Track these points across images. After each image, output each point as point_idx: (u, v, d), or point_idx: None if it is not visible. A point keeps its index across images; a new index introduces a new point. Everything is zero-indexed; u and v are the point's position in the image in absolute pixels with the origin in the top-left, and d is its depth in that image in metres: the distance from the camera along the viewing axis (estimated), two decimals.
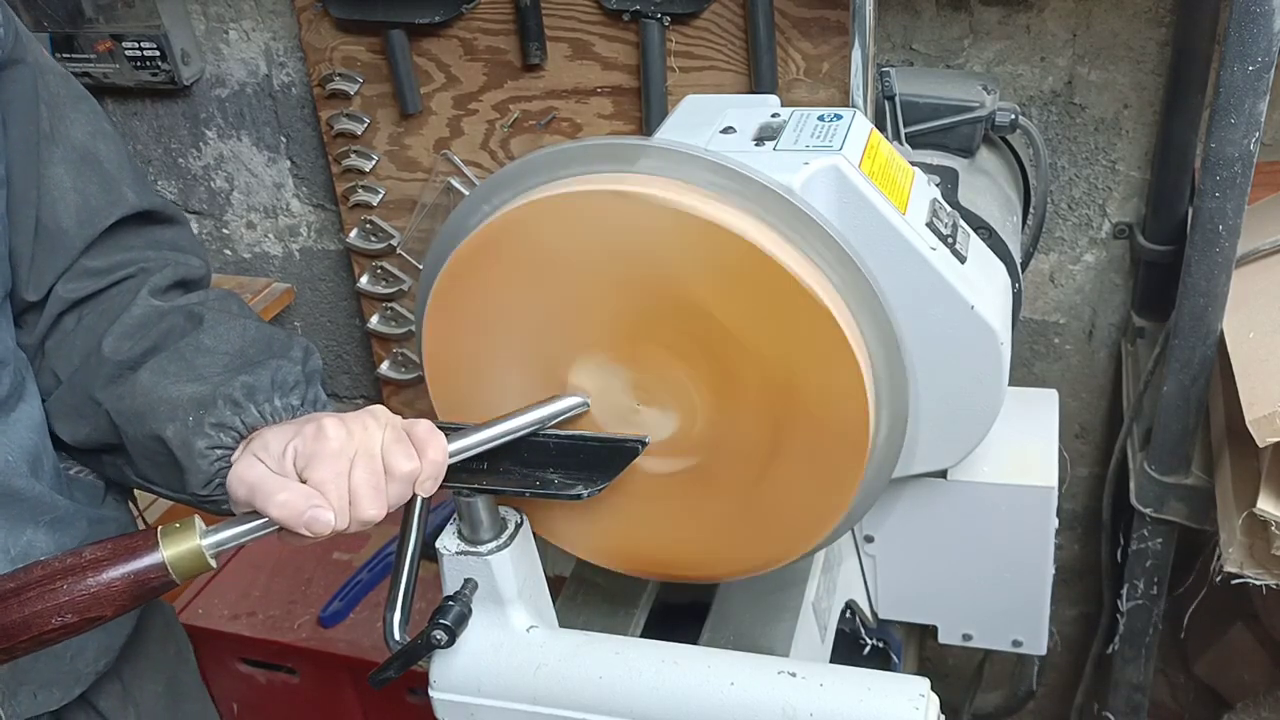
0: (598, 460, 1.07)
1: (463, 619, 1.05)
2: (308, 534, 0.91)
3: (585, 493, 1.03)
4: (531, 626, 1.11)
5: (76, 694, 1.12)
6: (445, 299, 1.12)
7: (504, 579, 1.07)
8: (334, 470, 0.92)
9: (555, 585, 1.24)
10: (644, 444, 1.10)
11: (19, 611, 0.82)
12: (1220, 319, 1.39)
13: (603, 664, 1.07)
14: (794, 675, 1.02)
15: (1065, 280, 1.86)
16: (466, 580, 1.07)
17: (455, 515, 1.07)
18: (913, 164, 1.23)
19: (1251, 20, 1.18)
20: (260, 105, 2.14)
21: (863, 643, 1.57)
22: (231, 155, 2.22)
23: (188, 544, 0.89)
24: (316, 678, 2.09)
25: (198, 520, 0.91)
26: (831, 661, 1.44)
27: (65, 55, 2.08)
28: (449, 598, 1.06)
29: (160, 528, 0.89)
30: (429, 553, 1.07)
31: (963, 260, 1.15)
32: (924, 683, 1.00)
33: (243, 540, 0.92)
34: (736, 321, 1.04)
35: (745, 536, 1.17)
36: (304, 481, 0.92)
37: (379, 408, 0.98)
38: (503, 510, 1.08)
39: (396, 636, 1.07)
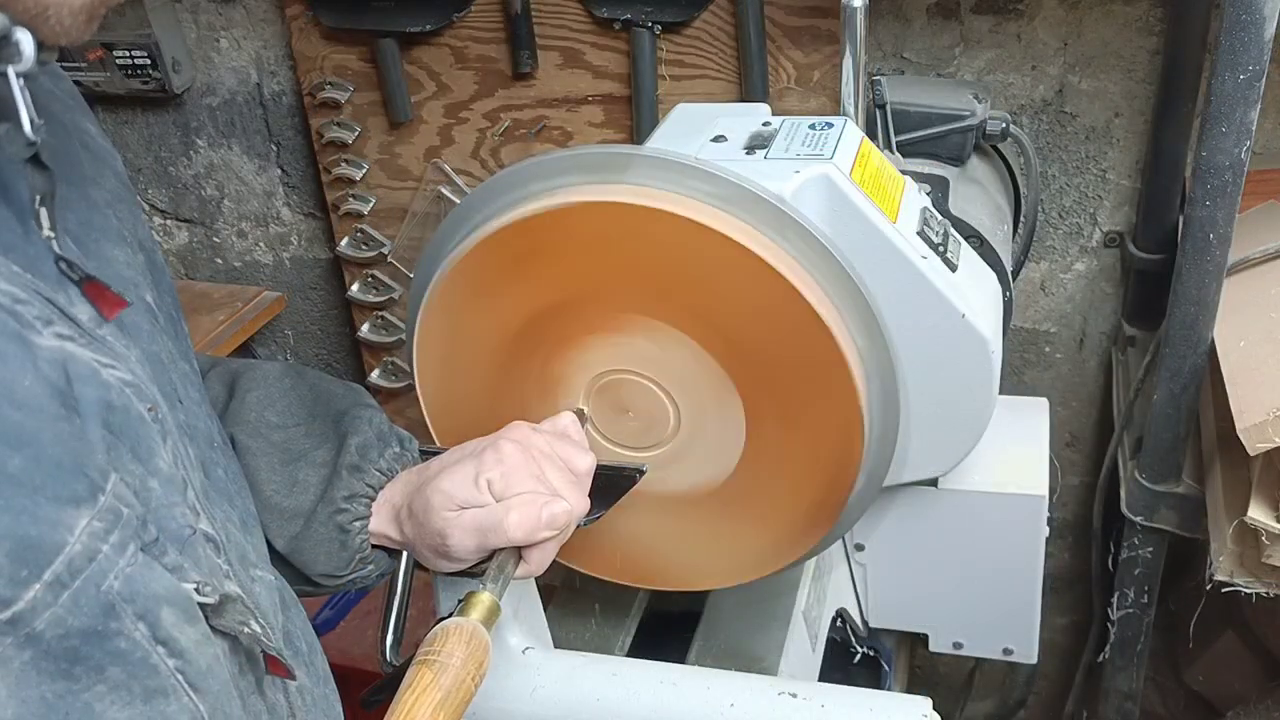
0: (595, 488, 1.06)
1: None
2: (552, 533, 0.95)
3: (583, 523, 1.02)
4: (527, 648, 1.11)
5: None
6: (437, 308, 1.12)
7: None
8: (532, 476, 0.96)
9: (546, 595, 1.24)
10: (642, 472, 1.10)
11: None
12: (1211, 327, 1.39)
13: (600, 686, 1.07)
14: (794, 696, 1.02)
15: (1056, 289, 1.86)
16: (461, 599, 1.06)
17: None
18: (904, 173, 1.23)
19: (1242, 28, 1.18)
20: (251, 114, 2.13)
21: (854, 651, 1.57)
22: (222, 164, 2.21)
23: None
24: None
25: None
26: (823, 669, 1.44)
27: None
28: (443, 618, 1.05)
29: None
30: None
31: (954, 269, 1.15)
32: (926, 703, 1.00)
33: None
34: (729, 330, 1.04)
35: (736, 544, 1.17)
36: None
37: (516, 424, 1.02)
38: None
39: (389, 657, 1.06)
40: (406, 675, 0.82)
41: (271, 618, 0.82)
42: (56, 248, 0.65)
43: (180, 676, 0.66)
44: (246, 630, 0.72)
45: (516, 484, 0.94)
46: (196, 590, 0.67)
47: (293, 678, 0.80)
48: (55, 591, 0.58)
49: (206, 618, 0.69)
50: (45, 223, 0.64)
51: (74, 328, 0.63)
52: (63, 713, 0.59)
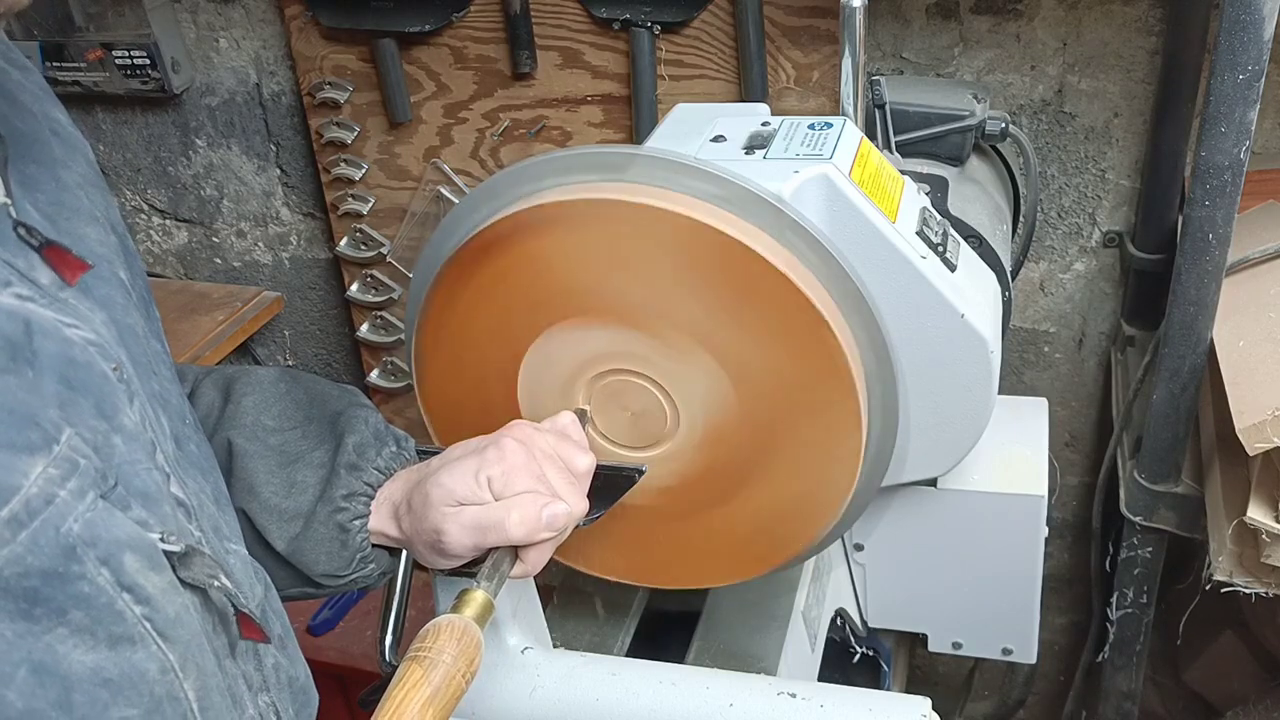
0: (594, 487, 1.06)
1: None
2: (551, 534, 0.95)
3: (582, 523, 1.02)
4: (526, 648, 1.10)
5: None
6: (436, 307, 1.12)
7: (498, 598, 1.06)
8: (533, 476, 0.95)
9: (546, 595, 1.24)
10: (641, 472, 1.10)
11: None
12: (1210, 327, 1.39)
13: (599, 686, 1.07)
14: (794, 696, 1.02)
15: (1055, 289, 1.86)
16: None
17: None
18: (903, 173, 1.23)
19: (1242, 29, 1.18)
20: (250, 114, 2.13)
21: (853, 651, 1.57)
22: (221, 164, 2.21)
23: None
24: None
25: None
26: (822, 669, 1.44)
27: (55, 64, 2.07)
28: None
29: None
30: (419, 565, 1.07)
31: (953, 269, 1.15)
32: (925, 703, 1.00)
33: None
34: (728, 330, 1.04)
35: (735, 543, 1.17)
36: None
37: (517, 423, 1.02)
38: None
39: (388, 657, 1.06)
40: (397, 671, 0.81)
41: (247, 588, 0.81)
42: (14, 213, 0.64)
43: (148, 624, 0.65)
44: (216, 584, 0.71)
45: (517, 483, 0.94)
46: (161, 539, 0.67)
47: (267, 641, 0.79)
48: (13, 529, 0.57)
49: (174, 567, 0.68)
50: (0, 189, 0.64)
51: (34, 289, 0.63)
52: (24, 651, 0.58)
